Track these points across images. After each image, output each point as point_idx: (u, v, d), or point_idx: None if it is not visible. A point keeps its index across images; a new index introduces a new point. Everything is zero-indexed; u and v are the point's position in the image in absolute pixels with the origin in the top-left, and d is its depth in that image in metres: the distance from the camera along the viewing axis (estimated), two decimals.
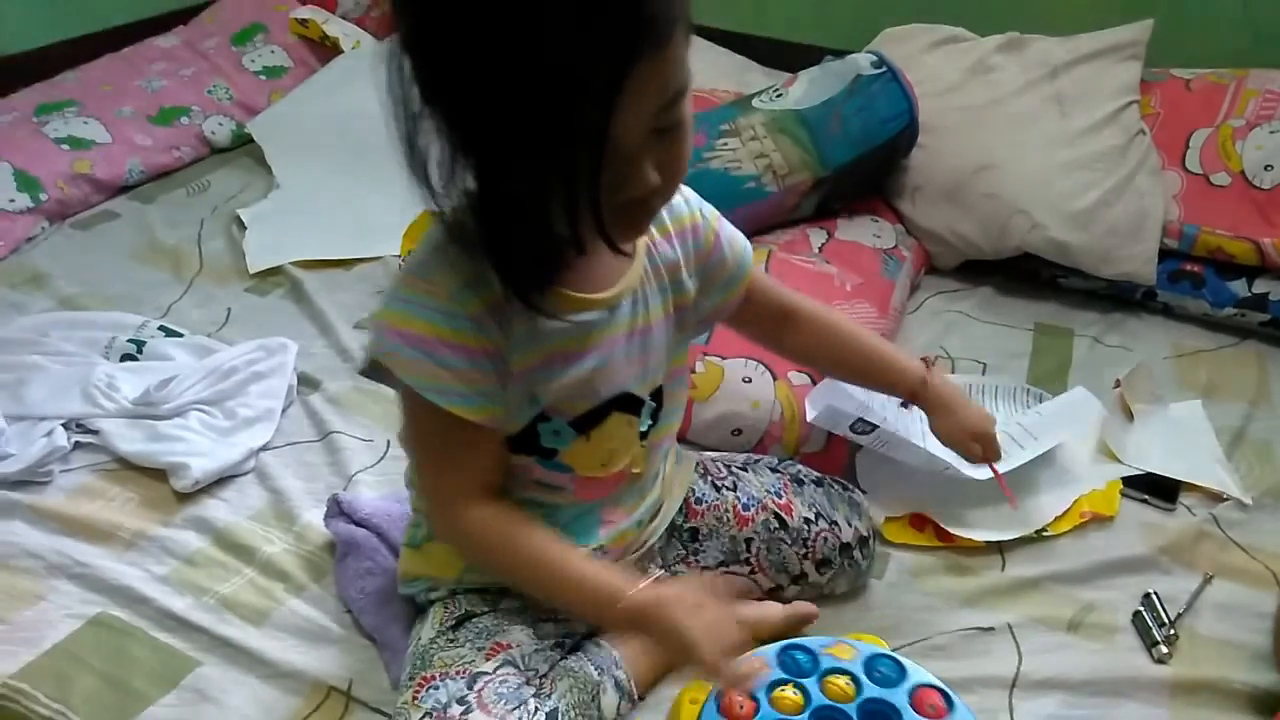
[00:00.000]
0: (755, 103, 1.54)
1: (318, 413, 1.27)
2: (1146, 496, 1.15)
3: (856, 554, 1.00)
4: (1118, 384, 1.31)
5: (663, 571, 0.97)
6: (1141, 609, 1.00)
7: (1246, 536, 1.10)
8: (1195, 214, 1.48)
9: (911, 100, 1.51)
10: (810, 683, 0.84)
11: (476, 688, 0.79)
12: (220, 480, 1.15)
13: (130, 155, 1.84)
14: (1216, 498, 1.15)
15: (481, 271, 0.70)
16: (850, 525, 1.00)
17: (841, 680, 0.84)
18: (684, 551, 0.99)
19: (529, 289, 0.70)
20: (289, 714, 0.89)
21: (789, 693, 0.83)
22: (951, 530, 1.08)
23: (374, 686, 0.92)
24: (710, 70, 1.89)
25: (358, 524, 1.03)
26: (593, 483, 0.84)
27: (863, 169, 1.52)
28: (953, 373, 1.38)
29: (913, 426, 1.08)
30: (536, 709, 0.79)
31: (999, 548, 1.08)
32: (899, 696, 0.82)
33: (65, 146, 1.78)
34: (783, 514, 0.98)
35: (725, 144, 1.48)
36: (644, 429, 0.85)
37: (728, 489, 1.00)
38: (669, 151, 0.66)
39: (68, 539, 1.07)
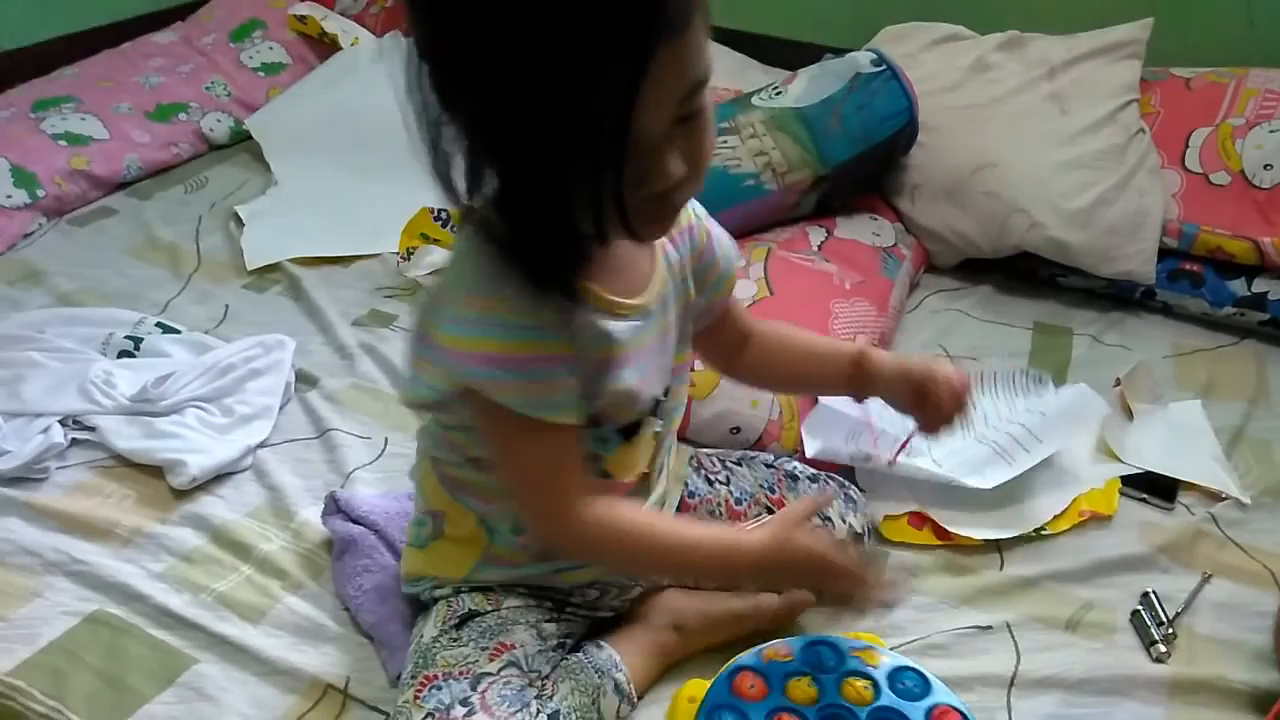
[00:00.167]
0: (755, 100, 1.54)
1: (315, 410, 1.27)
2: (1145, 495, 1.15)
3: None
4: (1117, 383, 1.31)
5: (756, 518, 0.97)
6: (1140, 608, 1.00)
7: (1245, 536, 1.10)
8: (1195, 213, 1.48)
9: (911, 98, 1.51)
10: (829, 679, 0.83)
11: (480, 689, 0.79)
12: (217, 477, 1.15)
13: (128, 151, 1.84)
14: (1215, 497, 1.15)
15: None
16: (844, 521, 1.00)
17: (861, 684, 0.83)
18: None
19: (557, 286, 0.69)
20: (286, 711, 0.89)
21: (804, 684, 0.83)
22: (950, 529, 1.08)
23: (371, 684, 0.91)
24: None
25: (355, 521, 1.02)
26: (618, 486, 0.85)
27: (862, 167, 1.52)
28: None
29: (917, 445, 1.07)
30: (538, 711, 0.79)
31: (997, 546, 1.08)
32: (916, 712, 0.81)
33: (63, 143, 1.78)
34: (775, 509, 0.98)
35: (724, 142, 1.48)
36: (657, 428, 0.85)
37: (721, 483, 1.01)
38: (691, 142, 0.66)
39: (64, 536, 1.07)
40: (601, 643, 0.89)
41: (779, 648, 0.87)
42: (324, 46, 2.16)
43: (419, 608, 0.91)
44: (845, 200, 1.56)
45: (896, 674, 0.85)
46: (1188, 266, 1.49)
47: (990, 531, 1.08)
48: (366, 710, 0.89)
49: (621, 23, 0.56)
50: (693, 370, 1.17)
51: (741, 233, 1.43)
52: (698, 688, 0.86)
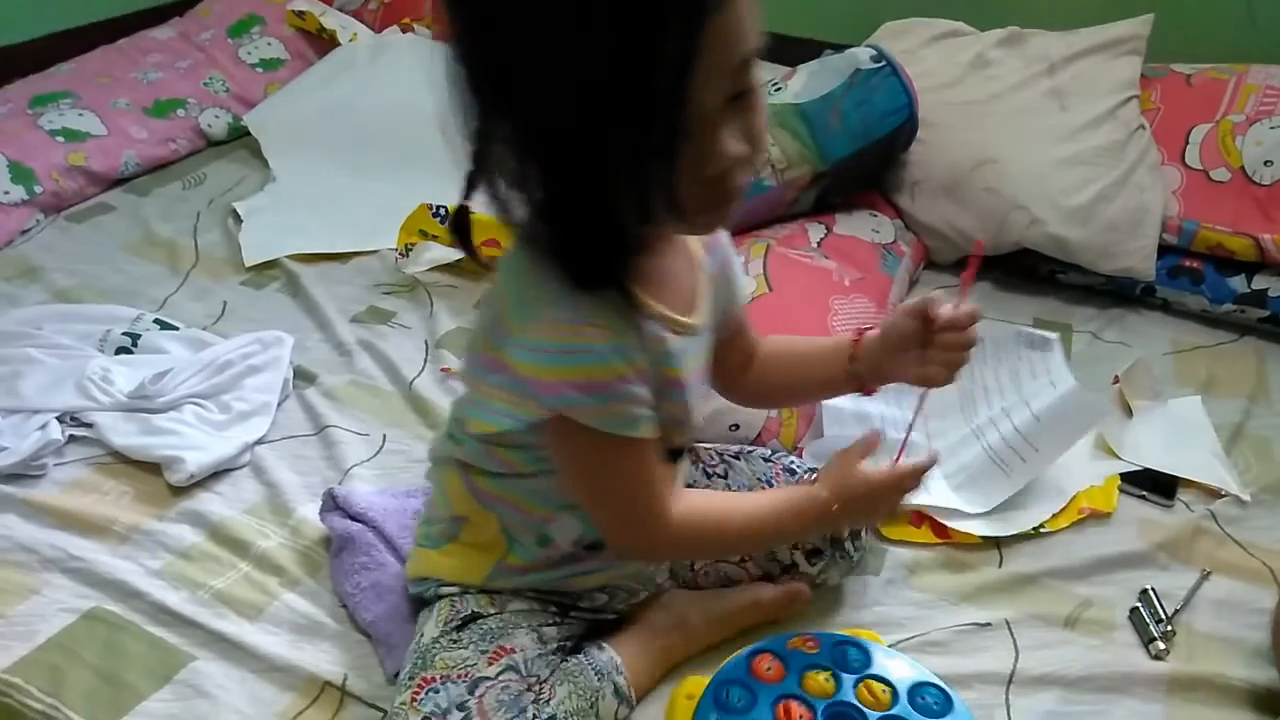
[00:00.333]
0: None
1: (313, 407, 1.27)
2: (1145, 493, 1.15)
3: (848, 545, 0.99)
4: (1116, 380, 1.31)
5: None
6: (1139, 605, 1.00)
7: (1244, 533, 1.10)
8: (1195, 210, 1.48)
9: (911, 95, 1.50)
10: (848, 678, 0.83)
11: (477, 694, 0.79)
12: (215, 474, 1.15)
13: (126, 148, 1.83)
14: (1215, 494, 1.15)
15: (615, 297, 0.69)
16: None
17: (880, 688, 0.83)
18: None
19: (608, 283, 0.68)
20: (283, 708, 0.89)
21: (822, 678, 0.83)
22: (949, 526, 1.08)
23: (369, 681, 0.91)
24: None
25: (353, 518, 1.02)
26: None
27: (862, 163, 1.52)
28: None
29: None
30: (535, 716, 0.78)
31: (996, 544, 1.08)
32: None
33: (60, 138, 1.77)
34: None
35: None
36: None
37: (718, 476, 1.01)
38: (746, 120, 0.65)
39: (62, 533, 1.06)
40: (603, 644, 0.88)
41: (808, 639, 0.87)
42: (322, 42, 2.15)
43: (419, 605, 0.91)
44: (845, 196, 1.55)
45: (919, 688, 0.84)
46: (1188, 263, 1.48)
47: (989, 529, 1.08)
48: (364, 707, 0.89)
49: None
50: None
51: (740, 229, 1.43)
52: (696, 685, 0.85)
